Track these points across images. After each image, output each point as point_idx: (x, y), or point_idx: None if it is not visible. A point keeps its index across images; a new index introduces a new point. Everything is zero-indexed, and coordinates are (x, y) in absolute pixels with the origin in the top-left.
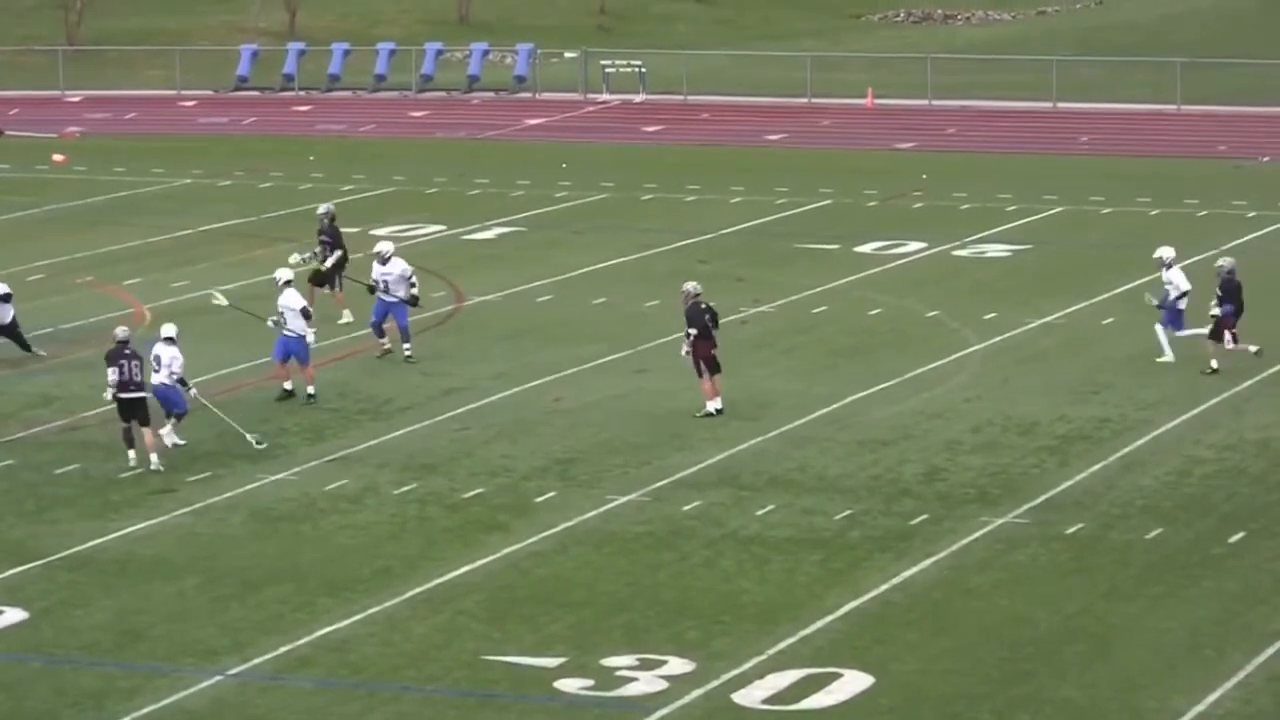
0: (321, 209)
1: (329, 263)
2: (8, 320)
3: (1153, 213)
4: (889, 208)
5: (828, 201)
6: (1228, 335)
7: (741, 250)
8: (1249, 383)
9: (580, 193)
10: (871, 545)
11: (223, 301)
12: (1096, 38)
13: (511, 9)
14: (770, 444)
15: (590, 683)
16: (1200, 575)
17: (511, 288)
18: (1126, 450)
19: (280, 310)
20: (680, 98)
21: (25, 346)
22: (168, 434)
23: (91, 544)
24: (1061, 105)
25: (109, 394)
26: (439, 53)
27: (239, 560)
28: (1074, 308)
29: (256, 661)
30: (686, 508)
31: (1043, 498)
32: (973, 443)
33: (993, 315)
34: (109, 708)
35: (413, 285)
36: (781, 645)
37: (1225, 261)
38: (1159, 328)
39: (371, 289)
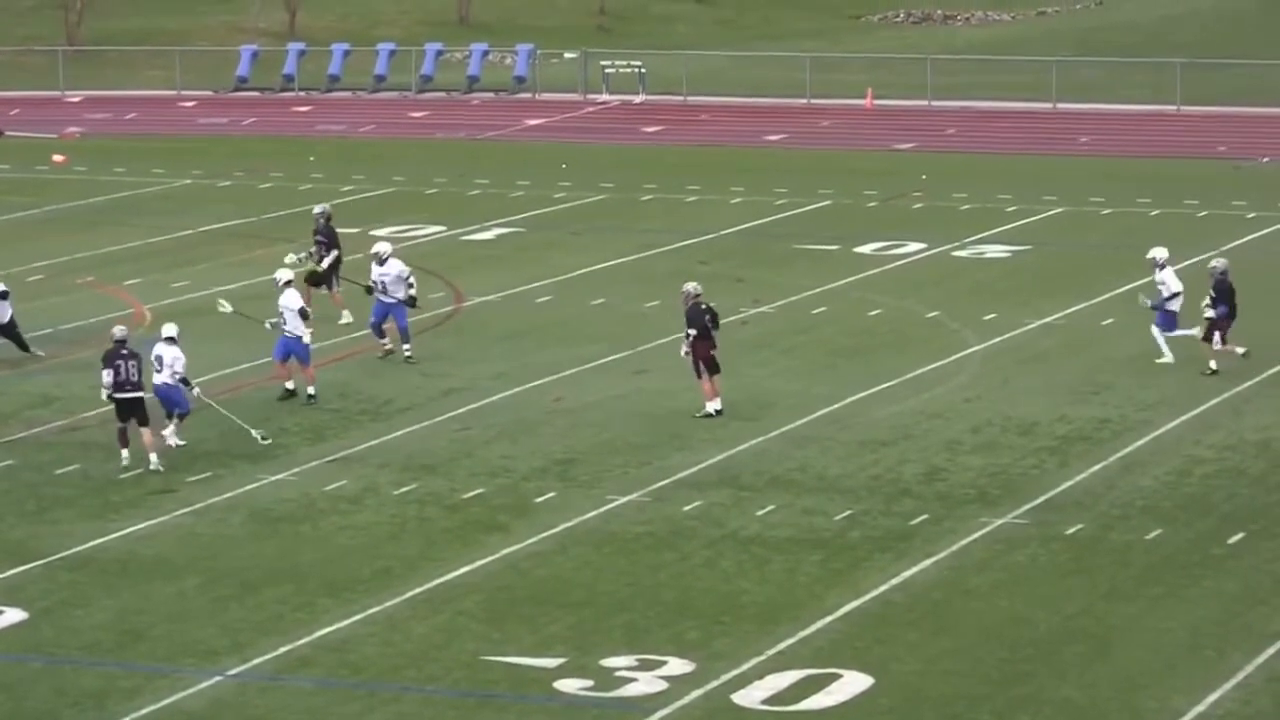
0: (317, 209)
1: (325, 263)
2: (5, 319)
3: (1153, 213)
4: (889, 208)
5: (827, 202)
6: (1216, 336)
7: (741, 251)
8: (1249, 383)
9: (580, 193)
10: (871, 545)
11: (228, 309)
12: (1096, 38)
13: (511, 9)
14: (770, 444)
15: (590, 683)
16: (1200, 576)
17: (511, 288)
18: (1126, 451)
19: (280, 311)
20: (680, 98)
21: (23, 346)
22: (171, 434)
23: (92, 544)
24: (1061, 106)
25: (105, 394)
26: (439, 53)
27: (239, 560)
28: (1074, 308)
29: (256, 662)
30: (687, 508)
31: (1043, 498)
32: (973, 443)
33: (992, 316)
34: (109, 708)
35: (410, 286)
36: (781, 646)
37: (1218, 263)
38: (1155, 329)
39: (369, 290)
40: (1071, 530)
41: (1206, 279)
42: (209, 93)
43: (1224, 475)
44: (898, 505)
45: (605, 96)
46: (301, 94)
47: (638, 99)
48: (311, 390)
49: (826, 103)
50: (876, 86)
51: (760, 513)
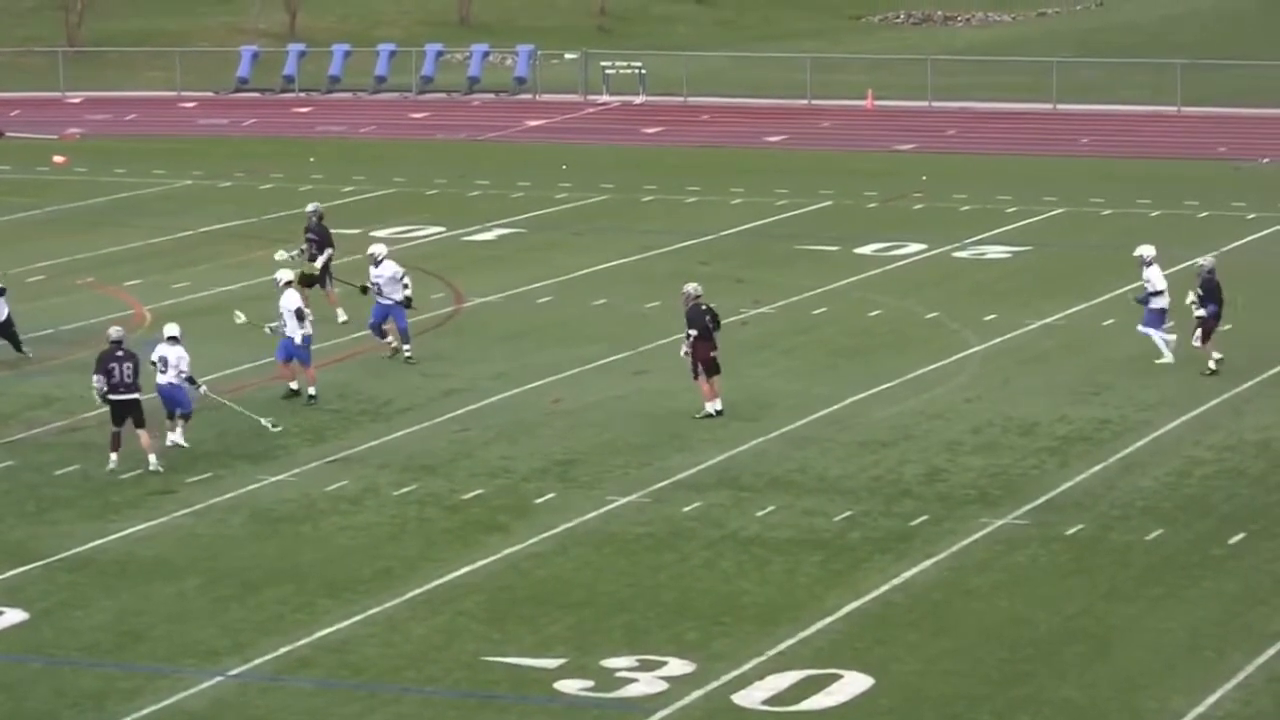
0: (310, 207)
1: (320, 262)
2: (2, 316)
3: (1153, 214)
4: (889, 209)
5: (828, 203)
6: (1198, 333)
7: (742, 251)
8: (1249, 384)
9: (580, 194)
10: (872, 546)
11: (243, 319)
12: (1096, 39)
13: (512, 10)
14: (770, 445)
15: (590, 684)
16: (1200, 576)
17: (512, 289)
18: (1126, 451)
19: (280, 311)
20: (680, 99)
21: (17, 345)
22: (178, 436)
23: (92, 545)
24: (1061, 107)
25: (98, 398)
26: (439, 54)
27: (239, 561)
28: (1074, 309)
29: (257, 662)
30: (687, 509)
31: (1043, 499)
32: (973, 444)
33: (993, 316)
34: (109, 709)
35: (405, 286)
36: (782, 646)
37: (1205, 261)
38: (1151, 331)
39: (364, 289)
40: (1072, 531)
41: (1200, 280)
42: (209, 94)
43: (1224, 476)
44: (898, 506)
45: (606, 97)
46: (302, 95)
47: (638, 100)
48: (312, 391)
49: (827, 103)
50: (877, 87)
51: (760, 513)
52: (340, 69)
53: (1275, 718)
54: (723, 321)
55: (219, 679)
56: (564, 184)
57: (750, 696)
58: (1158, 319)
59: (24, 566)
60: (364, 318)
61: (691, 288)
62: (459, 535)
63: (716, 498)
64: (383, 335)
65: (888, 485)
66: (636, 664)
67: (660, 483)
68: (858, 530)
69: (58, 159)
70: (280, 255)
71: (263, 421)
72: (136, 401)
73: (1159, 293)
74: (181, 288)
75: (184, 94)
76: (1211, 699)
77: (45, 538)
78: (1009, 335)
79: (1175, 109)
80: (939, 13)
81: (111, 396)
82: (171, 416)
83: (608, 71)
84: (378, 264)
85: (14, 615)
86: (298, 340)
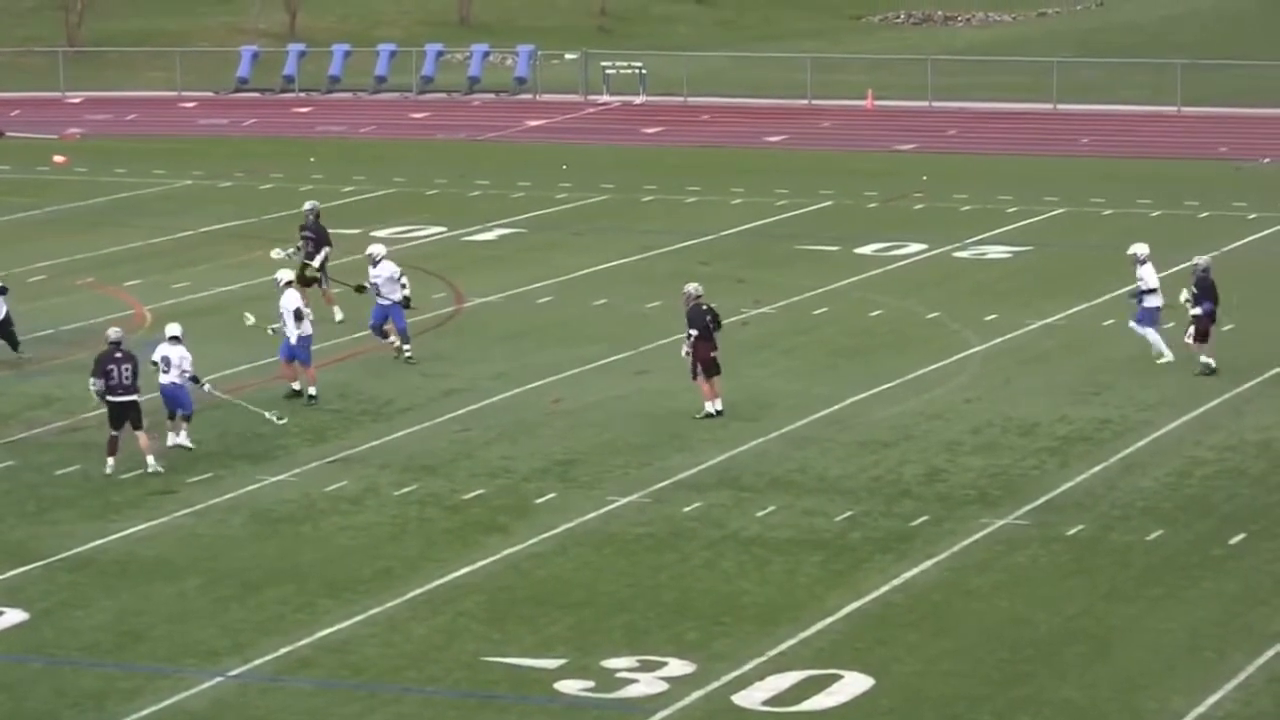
0: (307, 205)
1: (317, 260)
2: (0, 315)
3: (1153, 214)
4: (889, 209)
5: (828, 203)
6: (1190, 330)
7: (742, 252)
8: (1250, 384)
9: (581, 194)
10: (872, 546)
11: (252, 321)
12: (1097, 39)
13: (512, 10)
14: (771, 445)
15: (591, 684)
16: (1200, 576)
17: (512, 289)
18: (1127, 451)
19: (279, 312)
20: (680, 99)
21: (14, 345)
22: (183, 438)
23: (92, 545)
24: (1062, 107)
25: (96, 397)
26: (439, 54)
27: (240, 561)
28: (1075, 309)
29: (257, 662)
30: (687, 509)
31: (1043, 499)
32: (973, 444)
33: (993, 316)
34: (109, 709)
35: (403, 286)
36: (782, 647)
37: (1201, 260)
38: (1149, 330)
39: (359, 289)
40: (1072, 531)
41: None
42: (209, 94)
43: (1224, 476)
44: (898, 506)
45: (606, 97)
46: (302, 95)
47: (638, 100)
48: (312, 391)
49: (827, 103)
50: (877, 87)
51: (760, 514)
52: (340, 69)
53: (1276, 718)
54: (723, 322)
55: (219, 679)
56: (564, 184)
57: (750, 697)
58: (1149, 317)
59: (24, 566)
60: (361, 317)
61: (692, 288)
62: (459, 535)
63: (717, 498)
64: (384, 336)
65: (888, 485)
66: (637, 664)
67: (660, 483)
68: (858, 530)
69: (58, 159)
70: (276, 254)
71: (266, 415)
72: (135, 404)
73: (1152, 291)
74: (181, 288)
75: (184, 94)
76: (1212, 699)
77: (46, 538)
78: (1009, 335)
79: (1175, 109)
80: (939, 13)
81: (110, 398)
82: (172, 417)
83: (608, 71)
84: (376, 264)
85: (14, 615)
86: (292, 340)
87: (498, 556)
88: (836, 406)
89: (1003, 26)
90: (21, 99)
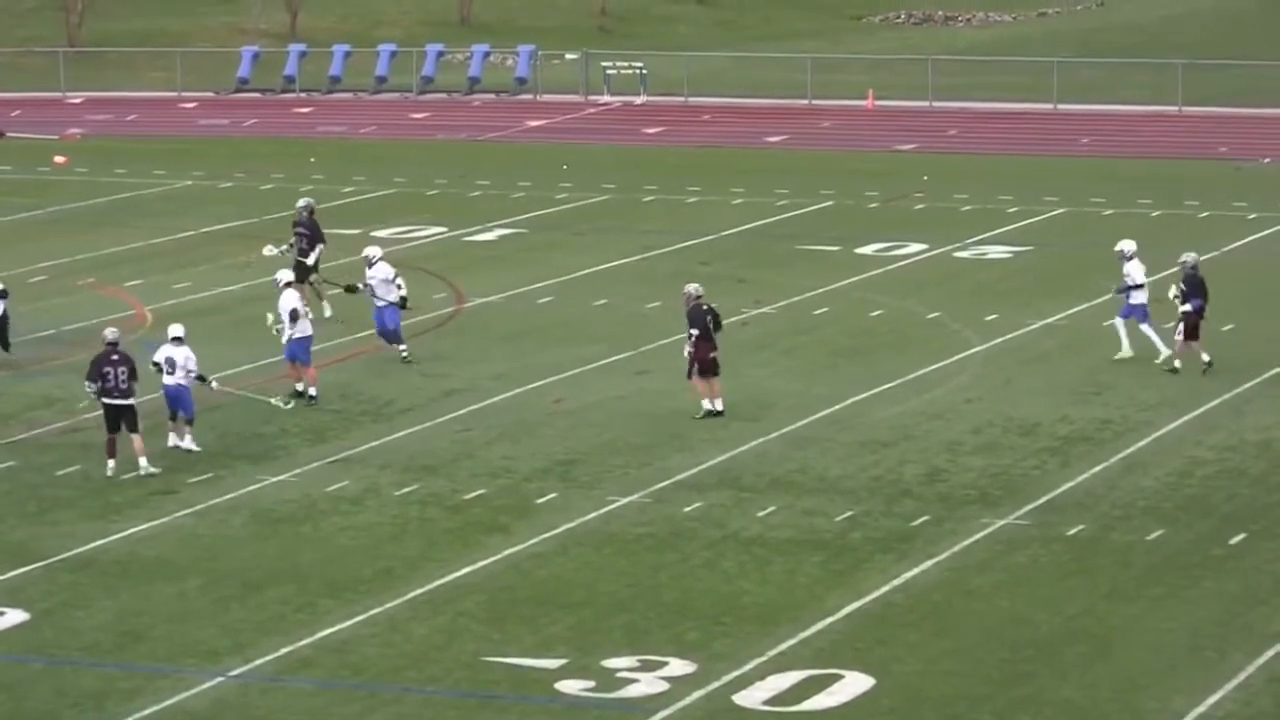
0: (301, 202)
1: (312, 258)
2: None
3: (1153, 214)
4: (890, 209)
5: (829, 203)
6: (1180, 328)
7: (742, 252)
8: (1250, 384)
9: (581, 194)
10: (872, 546)
11: (272, 319)
12: (1097, 39)
13: (512, 10)
14: (771, 445)
15: (591, 684)
16: (1201, 576)
17: (512, 289)
18: (1128, 451)
19: (279, 312)
20: (681, 99)
21: (4, 345)
22: (187, 443)
23: (93, 545)
24: (1062, 107)
25: (91, 398)
26: (440, 54)
27: (240, 561)
28: (1075, 309)
29: (258, 662)
30: (687, 509)
31: (1044, 499)
32: (974, 444)
33: (994, 316)
34: (110, 709)
35: (399, 288)
36: (782, 646)
37: (1188, 257)
38: (1145, 327)
39: (349, 289)
40: (1073, 531)
41: (1204, 280)
42: (210, 94)
43: (1225, 476)
44: (899, 506)
45: (606, 97)
46: (302, 95)
47: (639, 100)
48: (313, 391)
49: (827, 103)
50: (877, 87)
51: (761, 514)
52: (341, 69)
53: (1276, 718)
54: (724, 322)
55: (220, 679)
56: (565, 184)
57: (751, 697)
58: (1136, 313)
59: (25, 567)
60: (359, 317)
61: (693, 288)
62: (460, 535)
63: (717, 498)
64: (392, 342)
65: (888, 485)
66: (637, 664)
67: (661, 483)
68: (858, 530)
69: (58, 159)
70: (269, 250)
71: (272, 401)
72: (130, 407)
73: (1139, 287)
74: (182, 288)
75: (184, 94)
76: (1212, 699)
77: (46, 538)
78: (1010, 335)
79: (1176, 109)
80: (940, 13)
81: (105, 400)
82: (174, 418)
83: (608, 72)
84: (372, 265)
85: (15, 615)
86: (283, 340)
87: (498, 556)
88: (837, 406)
89: (1003, 26)
90: (22, 99)
